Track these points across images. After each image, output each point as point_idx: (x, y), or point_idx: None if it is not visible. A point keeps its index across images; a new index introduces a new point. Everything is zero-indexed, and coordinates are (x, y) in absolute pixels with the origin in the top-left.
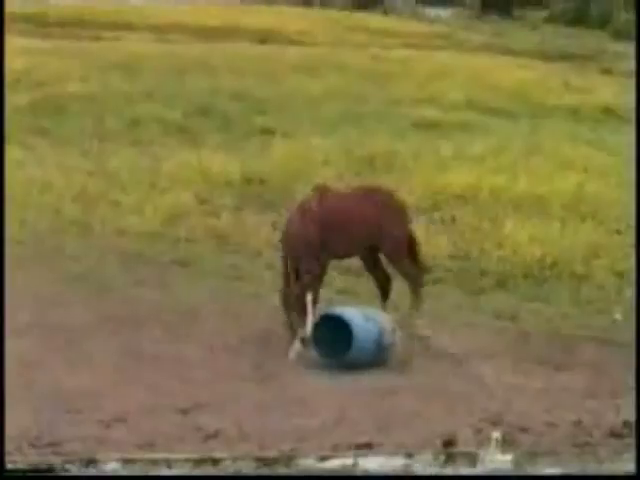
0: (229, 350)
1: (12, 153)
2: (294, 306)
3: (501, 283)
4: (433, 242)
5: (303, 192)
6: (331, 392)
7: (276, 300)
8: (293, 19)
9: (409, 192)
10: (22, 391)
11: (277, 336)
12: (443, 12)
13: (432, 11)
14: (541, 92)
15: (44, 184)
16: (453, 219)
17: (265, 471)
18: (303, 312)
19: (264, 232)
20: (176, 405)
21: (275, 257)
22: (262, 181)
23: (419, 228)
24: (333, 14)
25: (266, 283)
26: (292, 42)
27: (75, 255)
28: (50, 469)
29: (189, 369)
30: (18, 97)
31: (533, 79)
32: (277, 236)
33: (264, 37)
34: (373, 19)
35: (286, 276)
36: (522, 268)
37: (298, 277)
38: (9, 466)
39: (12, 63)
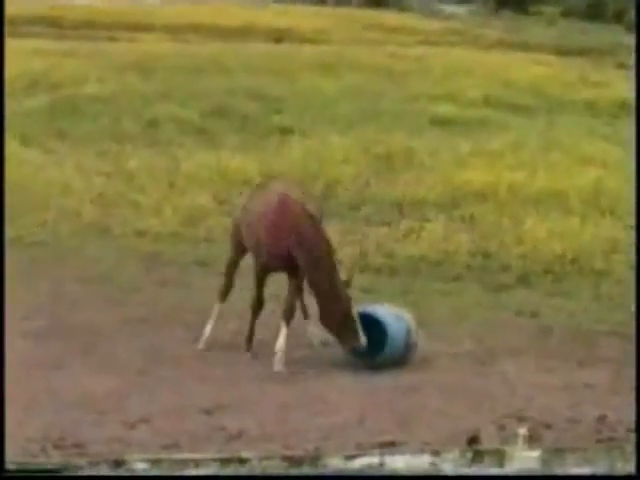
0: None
1: (31, 155)
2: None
3: (521, 279)
4: (453, 239)
5: (322, 191)
6: (353, 390)
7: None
8: (308, 18)
9: (428, 189)
10: (45, 393)
11: (298, 335)
12: (459, 9)
13: (448, 8)
14: (558, 87)
15: (63, 186)
16: (472, 216)
17: (293, 471)
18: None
19: None
20: (199, 405)
21: None
22: None
23: (439, 225)
24: (349, 12)
25: (285, 282)
26: (308, 41)
27: (95, 256)
28: (54, 470)
29: (211, 369)
30: (36, 99)
31: (550, 74)
32: None
33: (280, 36)
34: (389, 16)
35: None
36: (542, 264)
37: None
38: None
39: (29, 65)
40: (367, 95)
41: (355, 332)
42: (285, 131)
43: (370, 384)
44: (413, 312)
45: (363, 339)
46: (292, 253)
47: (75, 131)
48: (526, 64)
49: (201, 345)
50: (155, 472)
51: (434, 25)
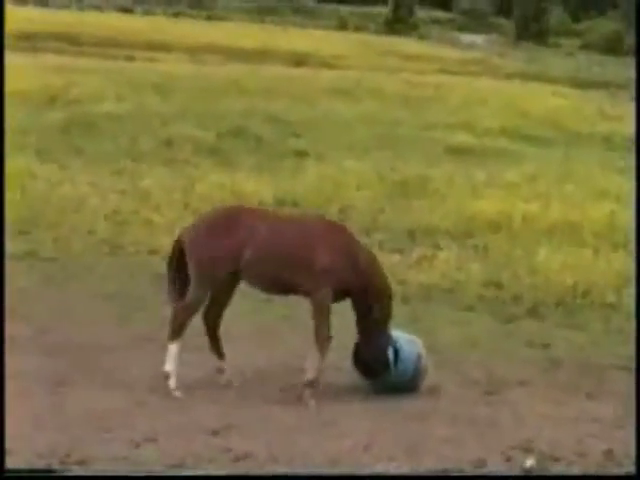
0: (259, 371)
1: (46, 171)
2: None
3: (533, 311)
4: (465, 268)
5: (336, 215)
6: (362, 416)
7: (309, 321)
8: (328, 43)
9: (442, 217)
10: (53, 409)
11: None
12: (478, 38)
13: (467, 37)
14: (574, 120)
15: (78, 202)
16: (485, 246)
17: None
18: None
19: None
20: (206, 426)
21: None
22: (295, 203)
23: (451, 254)
24: (368, 38)
25: (299, 305)
26: (326, 65)
27: (107, 274)
28: (54, 470)
29: (219, 390)
30: (53, 115)
31: (567, 106)
32: None
33: (299, 60)
34: (408, 44)
35: None
36: (554, 296)
37: None
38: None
39: (48, 81)
40: (384, 121)
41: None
42: (301, 155)
43: (379, 410)
44: (423, 340)
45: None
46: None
47: (91, 148)
48: (544, 95)
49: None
50: None
51: (453, 54)
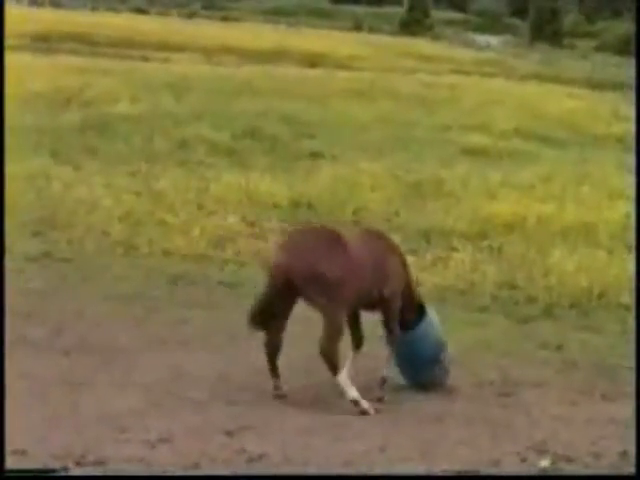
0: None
1: (61, 172)
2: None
3: (547, 312)
4: (480, 270)
5: (350, 216)
6: (377, 418)
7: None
8: (343, 43)
9: (456, 219)
10: (68, 410)
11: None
12: (493, 39)
13: (482, 38)
14: (590, 121)
15: (92, 203)
16: (500, 247)
17: None
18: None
19: None
20: (221, 427)
21: None
22: (310, 205)
23: (466, 255)
24: (383, 39)
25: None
26: (341, 66)
27: (121, 275)
28: (54, 470)
29: (234, 391)
30: (68, 116)
31: (582, 108)
32: None
33: (313, 61)
34: (422, 45)
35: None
36: (569, 297)
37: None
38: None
39: (63, 81)
40: (398, 122)
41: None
42: (315, 156)
43: (393, 412)
44: None
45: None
46: None
47: (106, 149)
48: (559, 97)
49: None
50: None
51: (467, 55)
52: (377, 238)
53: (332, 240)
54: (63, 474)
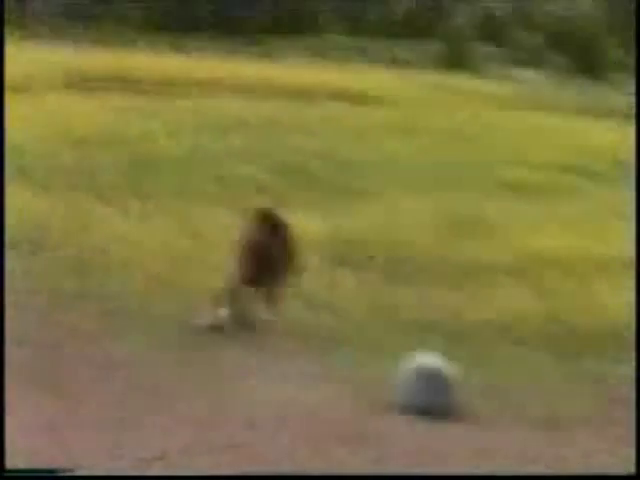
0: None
1: (101, 211)
2: None
3: (591, 346)
4: (523, 305)
5: (391, 254)
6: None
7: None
8: (382, 79)
9: (498, 254)
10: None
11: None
12: (532, 73)
13: (521, 72)
14: (630, 155)
15: (133, 243)
16: (542, 282)
17: None
18: None
19: (351, 292)
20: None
21: (365, 319)
22: (350, 242)
23: (509, 290)
24: (421, 74)
25: (353, 342)
26: (380, 102)
27: (163, 314)
28: (54, 470)
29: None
30: (109, 155)
31: (622, 141)
32: (364, 296)
33: (353, 97)
34: (461, 79)
35: None
36: (611, 331)
37: None
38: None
39: (105, 121)
40: (439, 158)
41: None
42: (356, 193)
43: (440, 447)
44: (483, 376)
45: None
46: None
47: (147, 188)
48: (599, 130)
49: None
50: None
51: (507, 89)
52: None
53: None
54: (63, 474)
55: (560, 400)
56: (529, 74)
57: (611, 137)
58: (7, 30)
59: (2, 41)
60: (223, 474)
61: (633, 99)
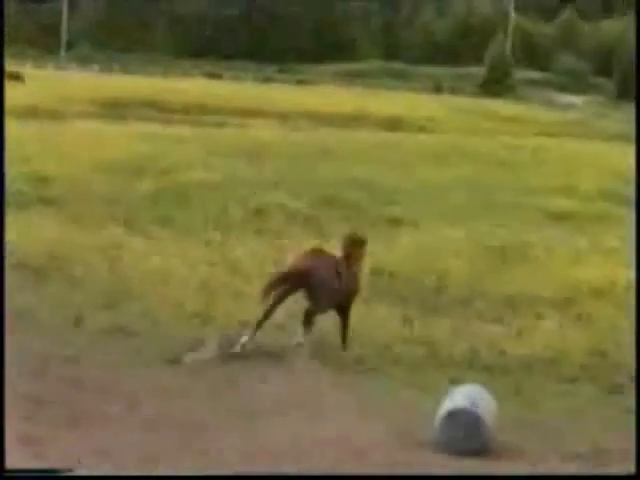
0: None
1: (134, 242)
2: None
3: (634, 380)
4: (568, 338)
5: (434, 284)
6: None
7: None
8: (421, 105)
9: (542, 285)
10: None
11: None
12: (576, 99)
13: (565, 98)
14: None
15: (166, 274)
16: (588, 314)
17: None
18: None
19: (392, 325)
20: None
21: (404, 351)
22: (391, 273)
23: (553, 323)
24: (463, 100)
25: (394, 377)
26: (421, 129)
27: (198, 347)
28: (50, 470)
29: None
30: (142, 184)
31: None
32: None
33: (392, 124)
34: (504, 106)
35: None
36: None
37: None
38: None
39: (137, 149)
40: (481, 186)
41: None
42: (396, 222)
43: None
44: (526, 412)
45: None
46: None
47: (181, 218)
48: None
49: None
50: None
51: (551, 115)
52: None
53: None
54: (63, 474)
55: (606, 434)
56: (574, 99)
57: None
58: (40, 56)
59: (2, 47)
60: (223, 474)
61: None
